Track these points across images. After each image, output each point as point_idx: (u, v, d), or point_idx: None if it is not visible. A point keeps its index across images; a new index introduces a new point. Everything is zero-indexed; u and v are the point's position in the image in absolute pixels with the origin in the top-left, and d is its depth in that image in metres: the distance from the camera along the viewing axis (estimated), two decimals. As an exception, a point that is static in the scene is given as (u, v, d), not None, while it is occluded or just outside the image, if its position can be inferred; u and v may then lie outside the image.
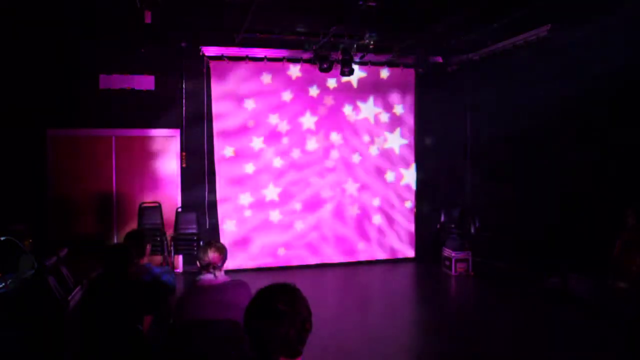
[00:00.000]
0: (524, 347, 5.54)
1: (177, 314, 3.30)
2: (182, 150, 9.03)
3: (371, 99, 9.75)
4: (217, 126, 8.98)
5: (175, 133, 9.02)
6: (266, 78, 9.17)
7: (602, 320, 6.03)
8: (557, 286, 7.11)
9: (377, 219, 9.81)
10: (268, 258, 9.22)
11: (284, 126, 9.28)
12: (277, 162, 9.26)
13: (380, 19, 7.52)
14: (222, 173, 9.04)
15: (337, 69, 8.89)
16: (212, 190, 9.05)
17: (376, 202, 9.81)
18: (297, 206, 9.37)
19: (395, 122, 9.90)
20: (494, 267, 8.55)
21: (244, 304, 1.83)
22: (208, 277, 3.40)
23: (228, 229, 9.05)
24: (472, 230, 9.28)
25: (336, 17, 7.40)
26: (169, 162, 9.05)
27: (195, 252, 8.49)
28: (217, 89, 8.98)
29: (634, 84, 6.54)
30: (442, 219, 9.80)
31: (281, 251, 9.30)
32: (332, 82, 9.48)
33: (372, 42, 8.09)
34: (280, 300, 1.73)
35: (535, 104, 8.24)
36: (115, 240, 8.60)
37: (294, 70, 9.30)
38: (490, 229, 8.95)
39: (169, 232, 8.81)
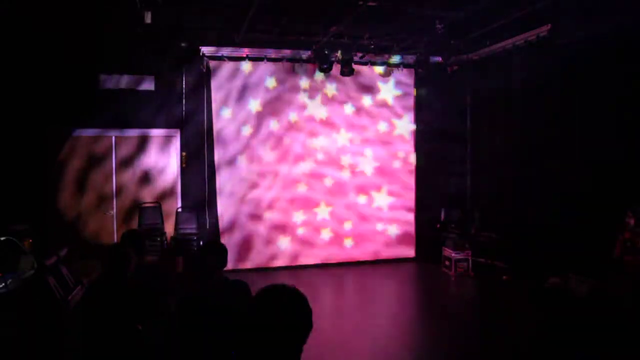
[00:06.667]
0: (524, 347, 5.55)
1: (178, 315, 3.30)
2: (182, 150, 9.03)
3: (370, 100, 9.75)
4: (217, 126, 8.99)
5: (175, 133, 9.02)
6: (267, 78, 9.17)
7: (602, 320, 6.02)
8: (557, 286, 7.11)
9: (377, 219, 9.81)
10: (268, 258, 9.22)
11: (284, 126, 9.28)
12: (277, 162, 9.25)
13: (380, 19, 7.52)
14: (222, 173, 9.03)
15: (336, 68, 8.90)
16: (212, 190, 9.04)
17: (376, 201, 9.80)
18: (297, 207, 9.37)
19: (395, 122, 9.89)
20: (494, 267, 8.55)
21: (244, 304, 1.83)
22: (208, 277, 3.40)
23: (228, 229, 9.04)
24: (472, 230, 9.28)
25: (336, 17, 7.39)
26: (169, 163, 9.05)
27: (195, 252, 8.49)
28: (216, 88, 8.98)
29: (634, 88, 6.54)
30: (442, 218, 9.80)
31: (281, 251, 9.29)
32: (331, 83, 9.48)
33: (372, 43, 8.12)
34: (280, 300, 1.73)
35: (536, 104, 8.24)
36: (115, 241, 8.60)
37: (294, 71, 9.28)
38: (490, 229, 8.95)
39: (169, 232, 8.81)
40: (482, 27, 7.88)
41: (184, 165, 9.03)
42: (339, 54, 8.67)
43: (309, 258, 9.44)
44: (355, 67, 8.93)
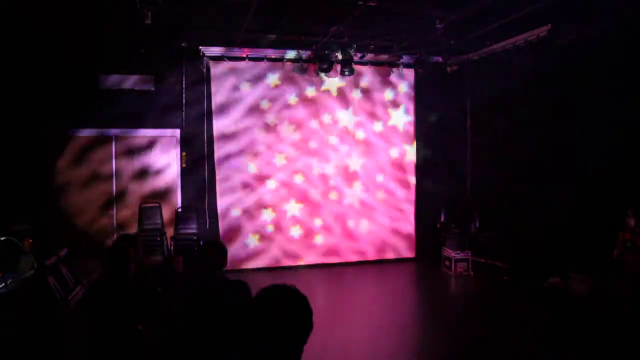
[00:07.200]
0: (523, 347, 5.55)
1: (178, 315, 3.30)
2: (182, 150, 9.03)
3: (371, 100, 9.75)
4: (216, 126, 8.99)
5: (175, 133, 9.02)
6: (267, 78, 9.18)
7: (602, 320, 6.02)
8: (557, 286, 7.11)
9: (377, 219, 9.81)
10: (268, 258, 9.22)
11: (285, 126, 9.28)
12: (278, 163, 9.25)
13: (380, 19, 7.52)
14: (222, 173, 9.03)
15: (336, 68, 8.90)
16: (212, 190, 9.04)
17: (376, 201, 9.80)
18: (298, 206, 9.37)
19: (395, 122, 9.90)
20: (494, 267, 8.55)
21: (245, 304, 1.83)
22: (208, 277, 3.40)
23: (228, 229, 9.04)
24: (472, 230, 9.28)
25: (336, 17, 7.39)
26: (169, 162, 9.05)
27: (195, 252, 8.49)
28: (217, 89, 8.98)
29: (633, 88, 6.54)
30: (442, 218, 9.80)
31: (281, 251, 9.29)
32: (331, 82, 9.47)
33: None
34: (280, 300, 1.73)
35: (536, 104, 8.23)
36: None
37: (297, 71, 9.29)
38: (490, 229, 8.95)
39: (169, 232, 8.81)
40: (482, 27, 7.87)
41: (184, 165, 9.03)
42: (339, 54, 8.67)
43: (309, 258, 9.43)
44: (355, 67, 8.94)
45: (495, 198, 9.18)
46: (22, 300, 5.11)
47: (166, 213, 8.89)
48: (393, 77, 9.81)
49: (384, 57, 9.45)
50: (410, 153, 10.01)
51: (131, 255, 3.63)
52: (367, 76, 9.70)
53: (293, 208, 9.35)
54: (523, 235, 8.24)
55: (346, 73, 8.87)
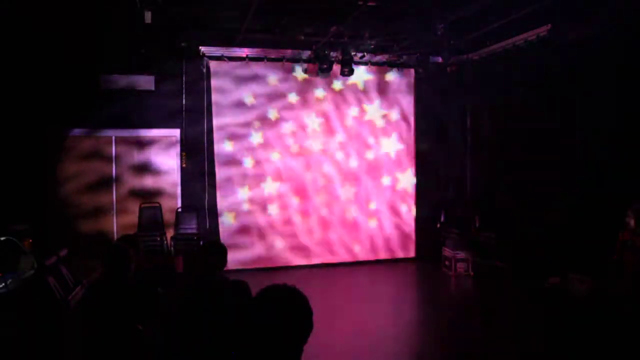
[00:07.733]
0: (523, 347, 5.54)
1: (178, 315, 3.30)
2: (182, 150, 9.03)
3: (371, 100, 9.75)
4: (217, 126, 8.99)
5: (175, 133, 9.02)
6: (267, 78, 9.18)
7: (602, 320, 6.02)
8: (557, 286, 7.11)
9: (377, 218, 9.81)
10: (268, 258, 9.21)
11: (284, 126, 9.28)
12: (277, 163, 9.26)
13: (380, 19, 7.53)
14: (222, 173, 9.03)
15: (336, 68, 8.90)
16: (212, 190, 9.04)
17: (376, 201, 9.80)
18: (298, 206, 9.37)
19: (395, 122, 9.91)
20: (494, 267, 8.55)
21: (245, 304, 1.83)
22: (208, 277, 3.40)
23: (228, 229, 9.04)
24: (472, 230, 9.28)
25: (336, 17, 7.40)
26: (169, 162, 9.04)
27: (195, 252, 8.49)
28: (217, 89, 8.98)
29: (633, 88, 6.53)
30: (442, 218, 9.80)
31: (281, 251, 9.29)
32: (333, 84, 9.48)
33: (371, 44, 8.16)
34: (280, 300, 1.73)
35: (535, 104, 8.24)
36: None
37: (297, 71, 9.30)
38: (490, 229, 8.95)
39: (169, 232, 8.81)
40: (482, 27, 7.88)
41: (184, 165, 9.03)
42: (339, 54, 8.67)
43: (309, 258, 9.43)
44: (355, 67, 8.93)
45: (495, 198, 9.18)
46: (22, 300, 5.10)
47: (166, 213, 8.89)
48: (393, 77, 9.81)
49: (384, 57, 9.45)
50: (410, 153, 10.00)
51: (131, 255, 3.62)
52: (367, 76, 9.70)
53: (294, 207, 9.35)
54: (523, 235, 8.25)
55: (346, 73, 8.87)
